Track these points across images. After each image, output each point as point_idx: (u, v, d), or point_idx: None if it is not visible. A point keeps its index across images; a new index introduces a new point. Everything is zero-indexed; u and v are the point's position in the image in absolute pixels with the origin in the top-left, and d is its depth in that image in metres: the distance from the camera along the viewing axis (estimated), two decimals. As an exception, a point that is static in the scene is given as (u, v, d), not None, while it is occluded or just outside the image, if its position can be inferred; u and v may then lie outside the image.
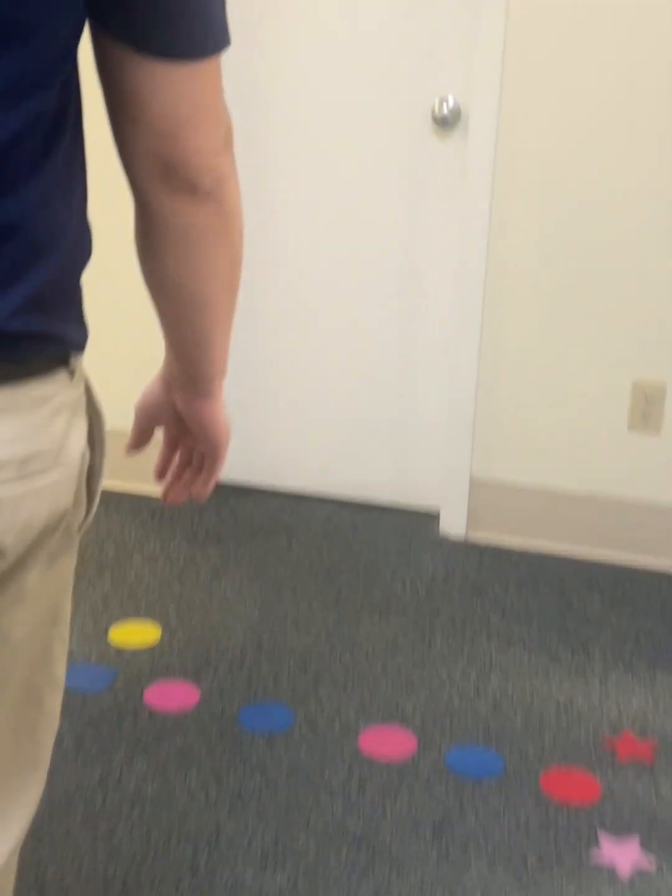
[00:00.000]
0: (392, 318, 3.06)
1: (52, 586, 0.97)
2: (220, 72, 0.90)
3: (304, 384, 3.17)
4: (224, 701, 2.25)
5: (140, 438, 1.19)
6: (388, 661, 2.41)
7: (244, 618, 2.57)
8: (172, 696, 2.27)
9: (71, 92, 0.87)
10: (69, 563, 1.01)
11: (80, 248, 0.93)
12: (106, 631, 2.48)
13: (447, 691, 2.32)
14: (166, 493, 1.20)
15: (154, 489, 3.21)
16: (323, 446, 3.21)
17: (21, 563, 0.91)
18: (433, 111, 2.86)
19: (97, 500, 1.02)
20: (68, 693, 2.08)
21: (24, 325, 0.85)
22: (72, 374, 0.94)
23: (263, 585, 2.73)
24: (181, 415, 1.13)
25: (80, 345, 0.96)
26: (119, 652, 2.40)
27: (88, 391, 0.99)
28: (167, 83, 0.86)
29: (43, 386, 0.89)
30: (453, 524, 3.04)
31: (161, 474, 1.21)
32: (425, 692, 2.31)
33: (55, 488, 0.91)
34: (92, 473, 0.99)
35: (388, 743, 2.16)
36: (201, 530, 3.01)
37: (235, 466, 3.27)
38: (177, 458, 1.19)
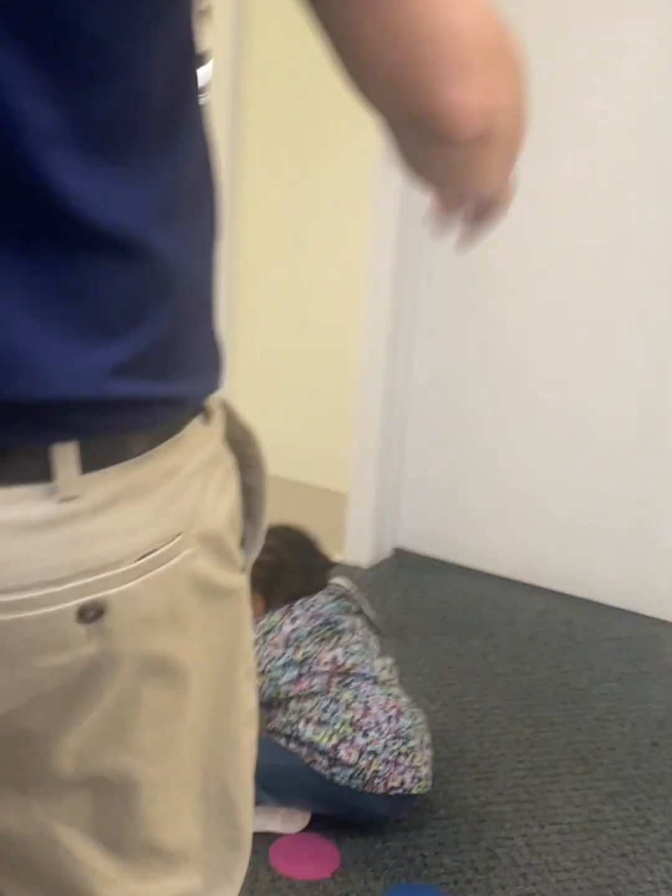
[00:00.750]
0: (633, 401, 2.47)
1: (216, 622, 0.83)
2: None
3: (524, 455, 2.63)
4: (368, 873, 1.76)
5: None
6: (586, 842, 1.86)
7: (413, 751, 2.06)
8: (306, 857, 1.79)
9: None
10: (236, 603, 0.85)
11: (212, 257, 0.76)
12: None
13: (662, 904, 1.74)
14: (432, 217, 0.94)
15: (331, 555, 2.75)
16: (542, 529, 2.66)
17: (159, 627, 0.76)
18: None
19: (263, 526, 0.89)
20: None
21: (142, 390, 0.69)
22: (207, 417, 0.79)
23: (445, 703, 2.22)
24: None
25: (217, 382, 0.79)
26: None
27: (229, 418, 0.85)
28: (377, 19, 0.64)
29: (171, 455, 0.74)
30: (694, 645, 2.43)
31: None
32: (632, 901, 1.74)
33: (182, 570, 0.75)
34: (252, 498, 0.87)
35: None
36: (381, 615, 2.52)
37: (437, 539, 2.77)
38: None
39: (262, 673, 1.84)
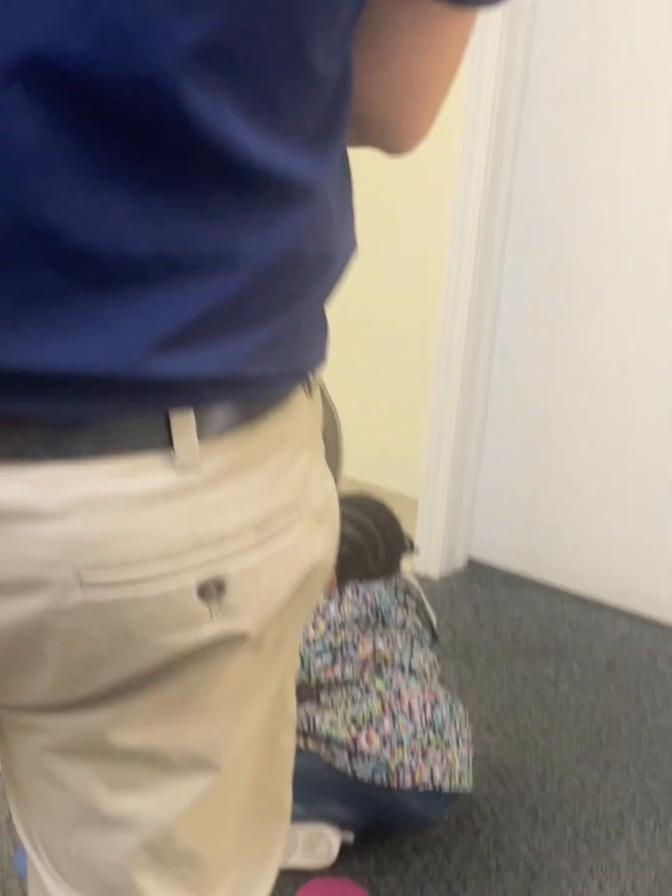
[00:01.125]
0: None
1: (305, 610, 0.82)
2: None
3: (612, 465, 2.42)
4: (402, 929, 1.60)
5: None
6: (652, 909, 1.66)
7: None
8: (334, 904, 1.64)
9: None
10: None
11: (348, 247, 0.75)
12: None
13: None
14: None
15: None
16: (629, 546, 2.45)
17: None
18: None
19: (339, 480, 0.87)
20: None
21: (266, 369, 0.68)
22: (309, 388, 0.78)
23: (507, 736, 2.03)
24: None
25: (325, 354, 0.78)
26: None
27: (323, 391, 0.85)
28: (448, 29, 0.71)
29: (281, 423, 0.73)
30: None
31: None
32: None
33: (299, 548, 0.74)
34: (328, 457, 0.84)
35: None
36: (447, 632, 2.35)
37: (513, 552, 2.58)
38: None
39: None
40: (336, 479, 0.84)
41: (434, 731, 1.64)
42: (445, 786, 1.62)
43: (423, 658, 1.73)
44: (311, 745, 1.63)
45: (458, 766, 1.64)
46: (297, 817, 1.63)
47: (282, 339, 0.69)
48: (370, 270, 2.50)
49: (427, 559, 2.55)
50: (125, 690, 0.73)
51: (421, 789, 1.60)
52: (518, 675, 2.23)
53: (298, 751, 1.60)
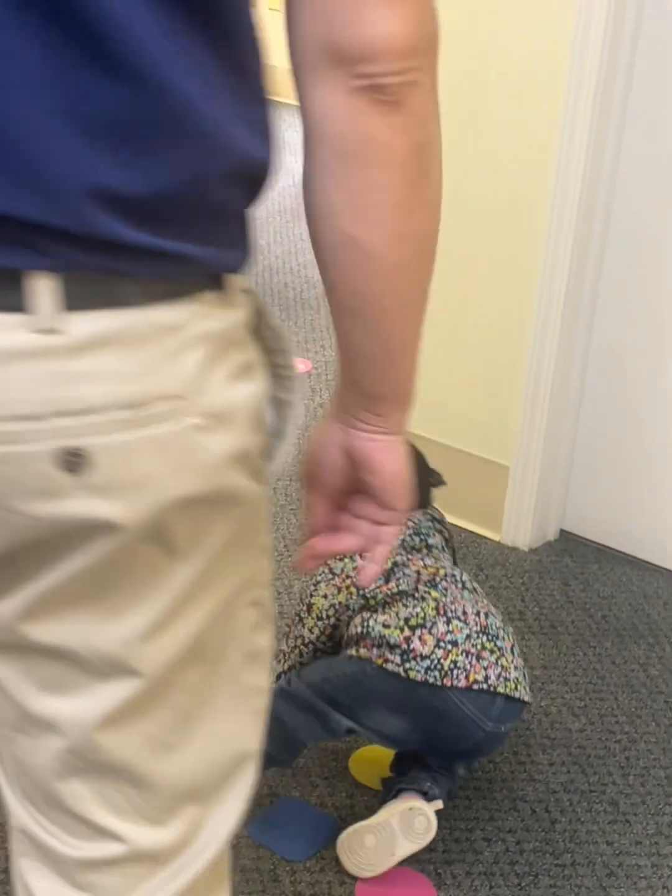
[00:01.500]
0: None
1: (223, 526, 0.78)
2: None
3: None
4: (468, 922, 1.53)
5: (311, 513, 0.91)
6: (737, 918, 1.56)
7: (543, 776, 1.80)
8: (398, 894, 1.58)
9: None
10: (250, 515, 0.81)
11: (250, 149, 0.72)
12: (346, 755, 1.82)
13: None
14: (302, 558, 0.92)
15: (478, 530, 2.48)
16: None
17: (159, 529, 0.74)
18: None
19: (289, 442, 0.83)
20: (258, 860, 1.49)
21: (133, 237, 0.68)
22: (223, 294, 0.75)
23: (590, 721, 1.94)
24: (347, 453, 0.86)
25: (238, 264, 0.76)
26: (353, 795, 1.74)
27: (261, 315, 0.81)
28: None
29: (171, 311, 0.71)
30: None
31: (313, 530, 0.91)
32: None
33: (187, 440, 0.72)
34: (282, 411, 0.83)
35: None
36: (532, 608, 2.25)
37: (608, 525, 2.46)
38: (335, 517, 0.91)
39: (348, 587, 1.70)
40: (288, 405, 0.83)
41: (488, 638, 1.62)
42: (500, 688, 1.58)
43: (470, 578, 1.75)
44: (363, 651, 1.61)
45: (513, 674, 1.61)
46: (344, 731, 1.61)
47: (140, 206, 0.68)
48: (466, 239, 2.39)
49: (516, 529, 2.44)
50: (15, 570, 0.74)
51: (475, 687, 1.56)
52: (606, 656, 2.12)
53: (349, 658, 1.61)
